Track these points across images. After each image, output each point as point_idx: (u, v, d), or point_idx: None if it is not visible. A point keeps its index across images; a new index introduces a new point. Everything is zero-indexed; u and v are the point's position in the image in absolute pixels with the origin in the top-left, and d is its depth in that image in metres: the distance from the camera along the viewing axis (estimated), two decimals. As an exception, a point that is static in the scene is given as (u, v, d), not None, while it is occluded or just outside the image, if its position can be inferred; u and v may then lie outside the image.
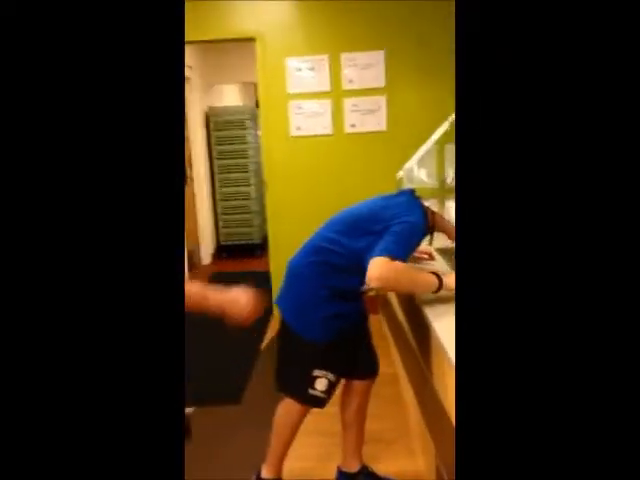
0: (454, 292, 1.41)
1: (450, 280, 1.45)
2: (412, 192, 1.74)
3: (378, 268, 1.39)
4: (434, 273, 1.48)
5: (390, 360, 2.74)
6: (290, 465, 1.87)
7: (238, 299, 1.27)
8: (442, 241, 1.92)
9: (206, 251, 5.58)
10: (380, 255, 1.41)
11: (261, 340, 3.28)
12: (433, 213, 1.73)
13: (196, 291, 1.29)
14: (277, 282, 3.33)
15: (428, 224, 1.68)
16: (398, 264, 1.42)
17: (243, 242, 5.70)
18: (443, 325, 1.34)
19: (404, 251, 1.49)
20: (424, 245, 1.87)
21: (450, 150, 2.75)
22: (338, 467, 1.94)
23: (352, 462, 1.91)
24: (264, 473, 1.82)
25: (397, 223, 1.52)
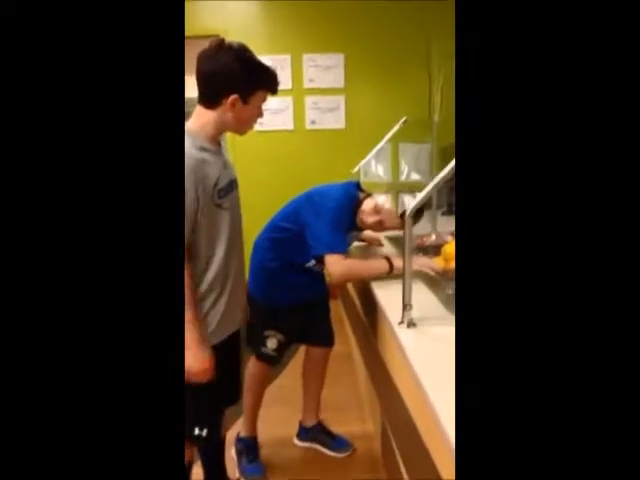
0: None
1: (398, 262, 1.64)
2: (355, 182, 1.95)
3: (334, 266, 1.63)
4: (385, 257, 1.69)
5: (346, 339, 2.96)
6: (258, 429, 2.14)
7: (189, 369, 1.26)
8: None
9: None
10: (329, 253, 1.64)
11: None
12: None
13: None
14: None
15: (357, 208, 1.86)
16: (349, 260, 1.68)
17: None
18: (385, 294, 1.59)
19: (342, 238, 1.70)
20: (373, 233, 2.12)
21: (403, 148, 2.95)
22: (299, 422, 2.24)
23: (310, 418, 2.21)
24: (242, 432, 2.11)
25: (322, 210, 1.71)
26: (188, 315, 1.25)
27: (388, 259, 1.68)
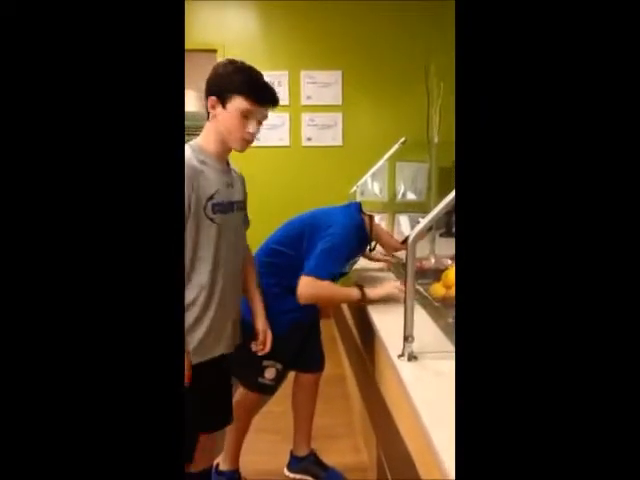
0: (376, 301, 1.70)
1: (372, 292, 1.70)
2: (356, 204, 1.94)
3: (304, 287, 1.64)
4: (358, 286, 1.73)
5: (338, 361, 2.87)
6: (242, 459, 2.00)
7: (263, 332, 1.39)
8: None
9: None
10: (308, 274, 1.65)
11: None
12: (372, 224, 1.94)
13: None
14: None
15: (367, 232, 1.91)
16: (321, 283, 1.65)
17: None
18: (384, 323, 1.52)
19: (332, 266, 1.70)
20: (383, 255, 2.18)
21: (401, 167, 2.90)
22: (290, 451, 2.12)
23: (301, 447, 2.10)
24: (222, 465, 1.95)
25: (326, 236, 1.72)
26: None
27: (361, 287, 1.71)
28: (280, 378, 1.88)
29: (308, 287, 1.65)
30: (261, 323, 1.60)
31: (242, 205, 1.48)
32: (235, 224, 1.44)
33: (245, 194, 1.52)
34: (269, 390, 1.88)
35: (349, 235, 1.75)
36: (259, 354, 1.60)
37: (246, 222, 1.56)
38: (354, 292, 1.71)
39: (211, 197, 1.32)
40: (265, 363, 1.81)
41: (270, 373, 1.83)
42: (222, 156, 1.41)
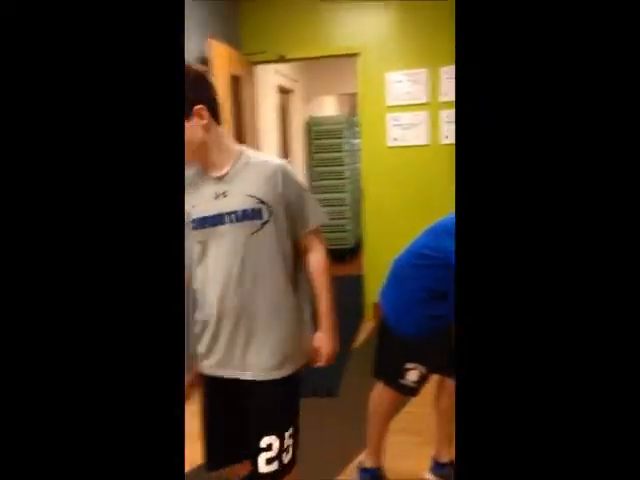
0: None
1: None
2: None
3: None
4: None
5: None
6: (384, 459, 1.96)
7: (319, 348, 1.37)
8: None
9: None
10: None
11: (352, 340, 3.48)
12: None
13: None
14: (372, 284, 3.62)
15: None
16: None
17: (336, 246, 5.43)
18: None
19: None
20: None
21: None
22: (432, 457, 2.03)
23: (443, 453, 2.00)
24: (366, 462, 1.97)
25: None
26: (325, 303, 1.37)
27: None
28: (423, 381, 1.82)
29: None
30: (317, 339, 1.39)
31: (249, 213, 1.24)
32: (235, 237, 1.25)
33: (269, 192, 1.25)
34: (410, 392, 1.83)
35: None
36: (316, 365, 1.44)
37: (299, 222, 1.31)
38: None
39: (188, 214, 1.26)
40: (408, 365, 1.77)
41: (414, 375, 1.77)
42: (217, 165, 1.27)
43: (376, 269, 3.02)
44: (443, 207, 1.75)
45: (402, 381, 1.78)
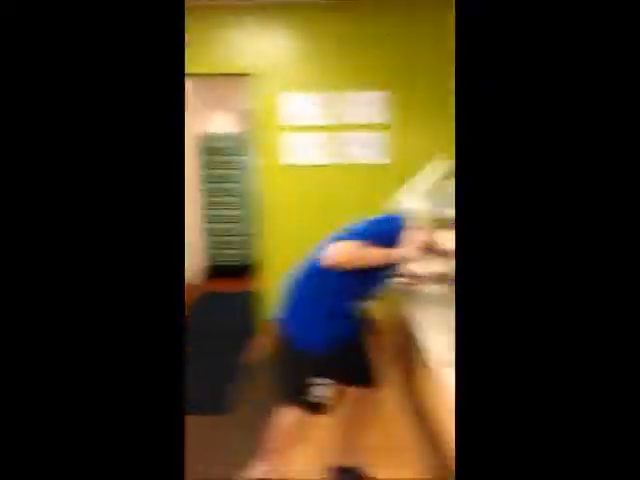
0: (403, 261, 1.73)
1: (402, 251, 1.71)
2: (399, 217, 1.84)
3: (335, 247, 1.65)
4: (387, 251, 1.69)
5: (388, 379, 2.57)
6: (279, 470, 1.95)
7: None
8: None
9: (194, 271, 5.30)
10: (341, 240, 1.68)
11: (241, 353, 3.42)
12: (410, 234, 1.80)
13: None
14: (268, 301, 3.63)
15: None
16: (353, 243, 1.66)
17: (230, 263, 5.67)
18: (429, 336, 1.54)
19: (363, 239, 1.66)
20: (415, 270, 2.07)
21: (448, 185, 2.42)
22: (333, 465, 2.06)
23: (344, 460, 2.04)
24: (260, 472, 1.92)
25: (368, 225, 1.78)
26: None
27: (394, 252, 1.70)
28: (331, 395, 1.83)
29: (337, 247, 1.65)
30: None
31: None
32: None
33: None
34: (322, 408, 1.81)
35: (382, 232, 1.75)
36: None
37: None
38: (386, 253, 1.68)
39: None
40: (316, 381, 1.77)
41: (322, 391, 1.79)
42: None
43: (272, 285, 3.07)
44: (339, 225, 1.81)
45: (312, 399, 1.77)
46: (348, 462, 2.04)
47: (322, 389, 1.78)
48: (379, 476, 2.05)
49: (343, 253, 1.63)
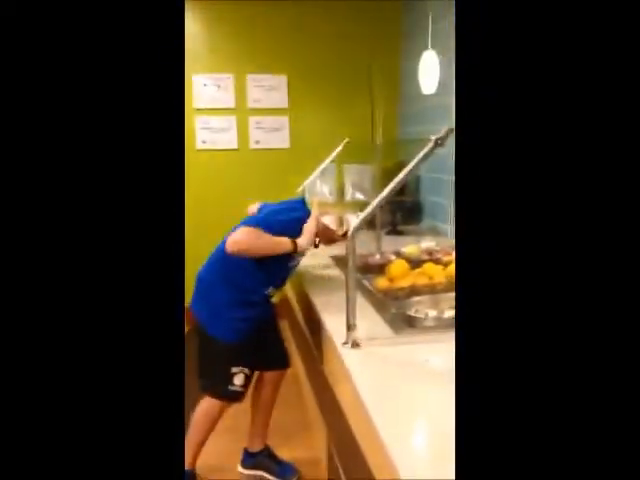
0: (305, 249, 1.79)
1: (301, 241, 1.74)
2: (302, 200, 2.00)
3: (237, 234, 1.66)
4: (292, 240, 1.73)
5: (293, 361, 2.64)
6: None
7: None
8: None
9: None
10: (245, 226, 1.70)
11: None
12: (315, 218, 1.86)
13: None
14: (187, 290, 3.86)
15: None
16: (255, 230, 1.68)
17: None
18: (330, 315, 1.61)
19: (267, 228, 1.71)
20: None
21: (347, 169, 2.68)
22: (244, 448, 2.15)
23: (256, 443, 2.13)
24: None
25: (271, 213, 1.84)
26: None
27: (294, 241, 1.73)
28: (248, 382, 1.91)
29: (243, 233, 1.66)
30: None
31: None
32: None
33: None
34: (239, 396, 1.89)
35: (294, 220, 1.79)
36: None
37: None
38: (287, 241, 1.71)
39: None
40: (233, 370, 1.84)
41: (239, 379, 1.84)
42: None
43: (189, 275, 2.79)
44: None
45: (231, 387, 1.84)
46: (259, 445, 2.12)
47: (239, 378, 1.85)
48: (283, 456, 2.15)
49: (242, 241, 1.65)
